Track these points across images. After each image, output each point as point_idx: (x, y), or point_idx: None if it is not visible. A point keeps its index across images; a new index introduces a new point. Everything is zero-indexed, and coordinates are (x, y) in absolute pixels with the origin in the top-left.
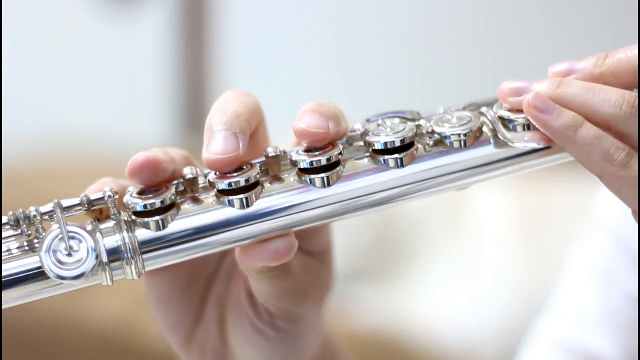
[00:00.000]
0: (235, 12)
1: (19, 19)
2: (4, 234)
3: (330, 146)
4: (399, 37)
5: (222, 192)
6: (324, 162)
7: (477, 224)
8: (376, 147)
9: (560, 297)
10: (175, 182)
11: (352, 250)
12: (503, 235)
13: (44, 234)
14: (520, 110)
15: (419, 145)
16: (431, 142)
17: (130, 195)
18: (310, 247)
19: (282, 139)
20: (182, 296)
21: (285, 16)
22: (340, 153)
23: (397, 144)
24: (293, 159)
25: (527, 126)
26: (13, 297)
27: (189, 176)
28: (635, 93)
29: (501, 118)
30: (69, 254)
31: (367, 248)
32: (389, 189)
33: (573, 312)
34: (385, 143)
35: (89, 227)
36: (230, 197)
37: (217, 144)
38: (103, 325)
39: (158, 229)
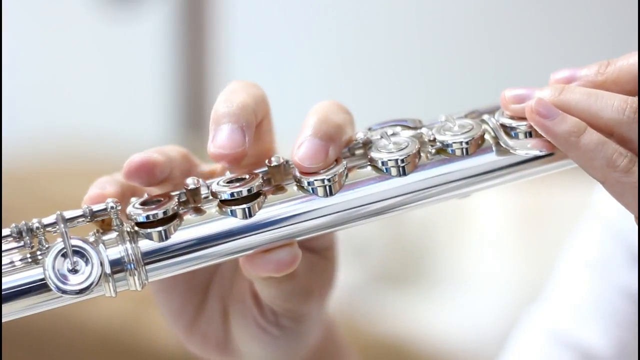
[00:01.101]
0: (235, 12)
1: (19, 19)
2: (7, 246)
3: (334, 162)
4: (402, 40)
5: (224, 202)
6: (326, 183)
7: (481, 227)
8: (379, 166)
9: (555, 288)
10: (177, 192)
11: (362, 257)
12: (507, 239)
13: (47, 245)
14: (522, 118)
15: (422, 154)
16: (433, 150)
17: (133, 206)
18: (313, 245)
19: (285, 140)
20: (186, 286)
21: (286, 16)
22: (343, 170)
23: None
24: (295, 173)
25: (529, 133)
26: (16, 310)
27: (191, 187)
28: (637, 99)
29: (503, 126)
30: (73, 270)
31: (375, 252)
32: (391, 198)
33: (567, 304)
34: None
35: (91, 239)
36: (233, 207)
37: (223, 137)
38: (104, 326)
39: (161, 239)
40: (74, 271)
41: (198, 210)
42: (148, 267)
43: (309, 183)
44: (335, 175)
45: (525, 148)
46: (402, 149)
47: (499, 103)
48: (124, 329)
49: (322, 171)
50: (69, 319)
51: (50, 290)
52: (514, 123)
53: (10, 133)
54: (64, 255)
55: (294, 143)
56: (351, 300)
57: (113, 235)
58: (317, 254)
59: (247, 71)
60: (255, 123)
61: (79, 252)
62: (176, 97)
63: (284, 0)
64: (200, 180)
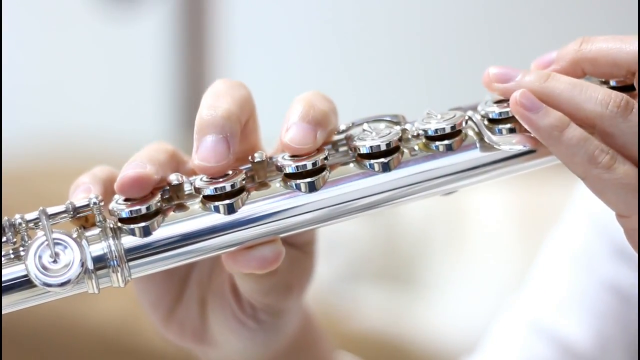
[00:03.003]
0: (235, 12)
1: (19, 19)
2: None
3: (316, 151)
4: (393, 40)
5: (207, 198)
6: (309, 167)
7: (480, 226)
8: (362, 152)
9: (537, 280)
10: (161, 188)
11: (357, 253)
12: (506, 238)
13: (29, 241)
14: (504, 100)
15: (405, 150)
16: (417, 147)
17: (116, 202)
18: (294, 240)
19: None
20: (164, 275)
21: (285, 16)
22: (326, 158)
23: (383, 148)
24: (279, 164)
25: (513, 129)
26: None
27: (174, 183)
28: (621, 94)
29: (487, 120)
30: (55, 261)
31: (372, 251)
32: (375, 194)
33: (549, 296)
34: (371, 147)
35: (74, 235)
36: (216, 203)
37: (207, 149)
38: (103, 326)
39: (144, 235)
40: (56, 264)
41: (181, 207)
42: (131, 263)
43: (295, 168)
44: (317, 161)
45: (509, 144)
46: (384, 136)
47: (482, 81)
48: (124, 329)
49: (304, 158)
50: (69, 319)
51: (33, 285)
52: (497, 109)
53: (10, 133)
54: (46, 248)
55: (280, 129)
56: (333, 295)
57: (96, 231)
58: (297, 248)
59: (246, 71)
60: (240, 128)
61: (61, 245)
62: (176, 97)
63: (284, 0)
64: (184, 176)
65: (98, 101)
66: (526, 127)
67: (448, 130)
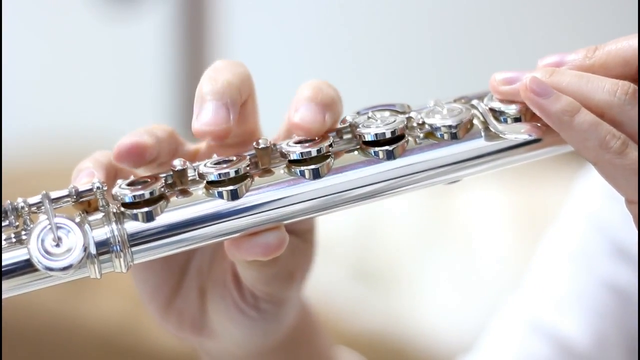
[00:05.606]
0: (235, 12)
1: (18, 19)
2: None
3: (321, 138)
4: (395, 33)
5: (211, 184)
6: (314, 154)
7: (477, 225)
8: (366, 139)
9: (535, 279)
10: (164, 174)
11: (351, 252)
12: (499, 234)
13: (31, 225)
14: (511, 102)
15: (410, 138)
16: (422, 135)
17: (120, 186)
18: (295, 227)
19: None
20: (163, 264)
21: (285, 16)
22: (330, 145)
23: (388, 135)
24: (283, 150)
25: (518, 118)
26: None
27: (178, 168)
28: (628, 82)
29: (492, 110)
30: (57, 245)
31: (366, 250)
32: (379, 182)
33: (548, 295)
34: (376, 134)
35: (77, 219)
36: (220, 189)
37: (207, 114)
38: (103, 326)
39: (147, 220)
40: (58, 247)
41: (185, 192)
42: (134, 248)
43: (300, 155)
44: (321, 148)
45: (515, 133)
46: (389, 124)
47: (489, 86)
48: (124, 329)
49: (309, 144)
50: (69, 319)
51: (35, 269)
52: (503, 107)
53: (10, 133)
54: (49, 232)
55: (288, 110)
56: (327, 294)
57: (99, 216)
58: (298, 236)
59: None
60: (240, 101)
61: (63, 229)
62: (176, 96)
63: (284, 0)
64: (187, 161)
65: (98, 101)
66: (537, 112)
67: (453, 130)
